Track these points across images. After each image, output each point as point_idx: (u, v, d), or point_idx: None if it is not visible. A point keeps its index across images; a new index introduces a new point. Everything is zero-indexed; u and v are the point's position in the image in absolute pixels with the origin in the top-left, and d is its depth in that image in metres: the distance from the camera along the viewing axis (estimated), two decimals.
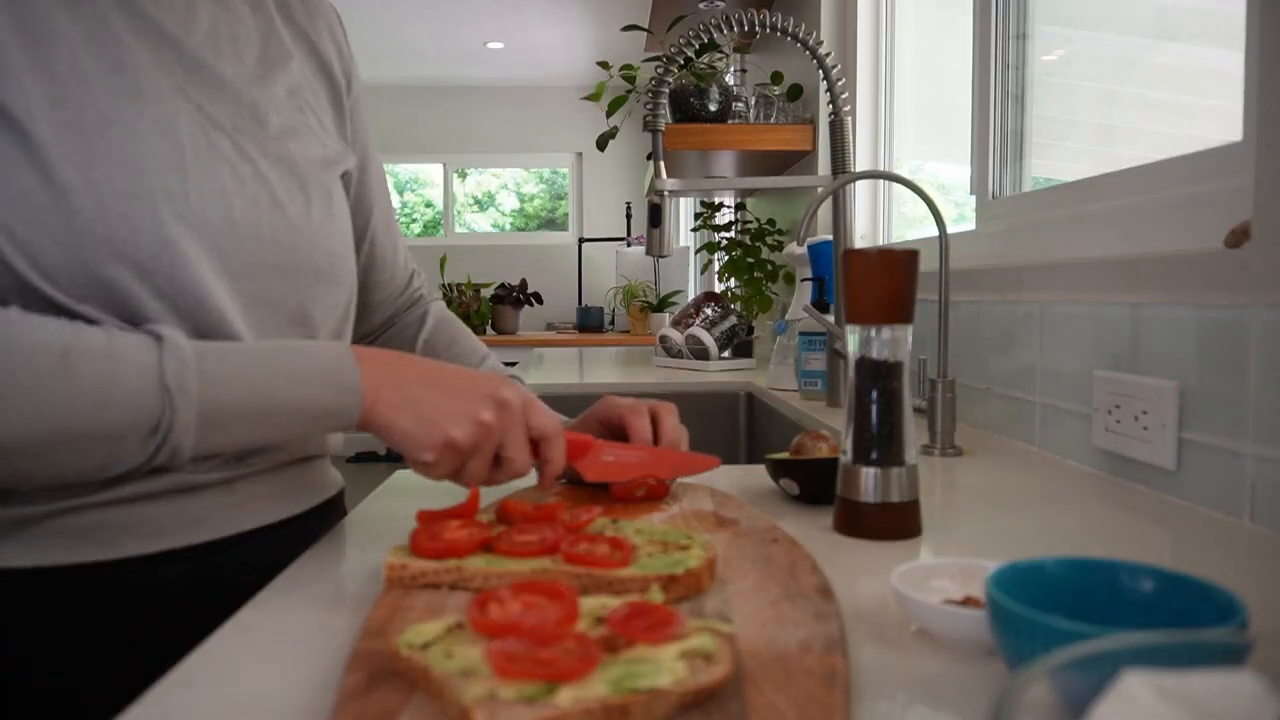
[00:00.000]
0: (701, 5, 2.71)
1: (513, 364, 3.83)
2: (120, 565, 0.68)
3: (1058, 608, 0.46)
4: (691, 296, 4.95)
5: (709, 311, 2.24)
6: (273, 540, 0.77)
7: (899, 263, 0.70)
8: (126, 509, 0.68)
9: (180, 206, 0.66)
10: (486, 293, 5.45)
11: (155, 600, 0.70)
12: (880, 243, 2.08)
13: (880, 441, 0.71)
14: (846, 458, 0.73)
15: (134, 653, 0.68)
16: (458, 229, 6.77)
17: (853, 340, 0.72)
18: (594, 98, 2.38)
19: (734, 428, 1.95)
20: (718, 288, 3.03)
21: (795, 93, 2.37)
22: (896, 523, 0.71)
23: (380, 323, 1.03)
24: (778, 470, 0.85)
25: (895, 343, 0.71)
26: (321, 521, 0.84)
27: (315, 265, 0.76)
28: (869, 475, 0.71)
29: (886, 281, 0.70)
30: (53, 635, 0.67)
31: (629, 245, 5.82)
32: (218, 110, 0.72)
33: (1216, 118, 0.95)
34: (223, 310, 0.68)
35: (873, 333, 0.71)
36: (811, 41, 1.43)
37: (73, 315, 0.62)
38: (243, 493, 0.76)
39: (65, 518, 0.66)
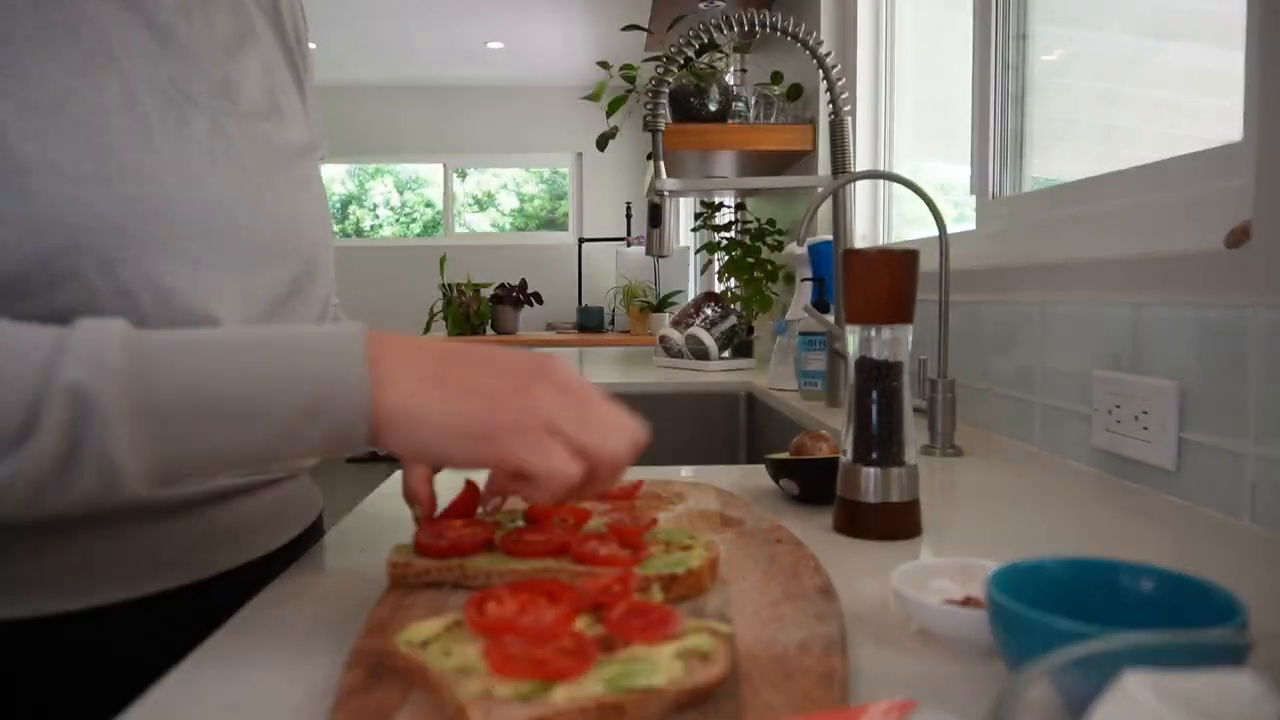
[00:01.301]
0: (701, 5, 2.70)
1: None
2: (100, 612, 0.62)
3: (1058, 608, 0.45)
4: (691, 296, 4.95)
5: (709, 311, 2.24)
6: (255, 577, 0.69)
7: (899, 262, 0.70)
8: (70, 552, 0.61)
9: (151, 190, 0.58)
10: (486, 293, 5.45)
11: (143, 645, 0.63)
12: (880, 243, 2.08)
13: (880, 441, 0.71)
14: (847, 458, 0.72)
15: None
16: (458, 229, 6.77)
17: (853, 340, 0.72)
18: (594, 98, 2.38)
19: (734, 428, 1.95)
20: (718, 288, 3.03)
21: (795, 92, 2.37)
22: (897, 523, 0.71)
23: None
24: (778, 470, 0.85)
25: (895, 343, 0.71)
26: (303, 552, 0.78)
27: (300, 254, 0.69)
28: (869, 475, 0.71)
29: (887, 281, 0.70)
30: (62, 681, 0.61)
31: (629, 245, 5.82)
32: (190, 83, 0.64)
33: (1216, 118, 0.95)
34: (193, 307, 0.60)
35: (873, 333, 0.71)
36: (811, 41, 1.43)
37: None
38: (223, 525, 0.69)
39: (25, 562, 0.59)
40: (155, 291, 0.58)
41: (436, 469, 0.68)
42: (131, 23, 0.61)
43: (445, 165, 6.72)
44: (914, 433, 0.72)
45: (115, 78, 0.59)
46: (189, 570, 0.67)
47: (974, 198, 1.48)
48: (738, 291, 2.53)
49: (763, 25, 1.40)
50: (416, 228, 6.84)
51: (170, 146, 0.60)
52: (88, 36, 0.58)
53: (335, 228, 6.87)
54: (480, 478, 0.64)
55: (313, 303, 0.73)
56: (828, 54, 1.45)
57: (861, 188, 2.08)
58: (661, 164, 1.50)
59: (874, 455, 0.71)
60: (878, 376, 0.71)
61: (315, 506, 0.84)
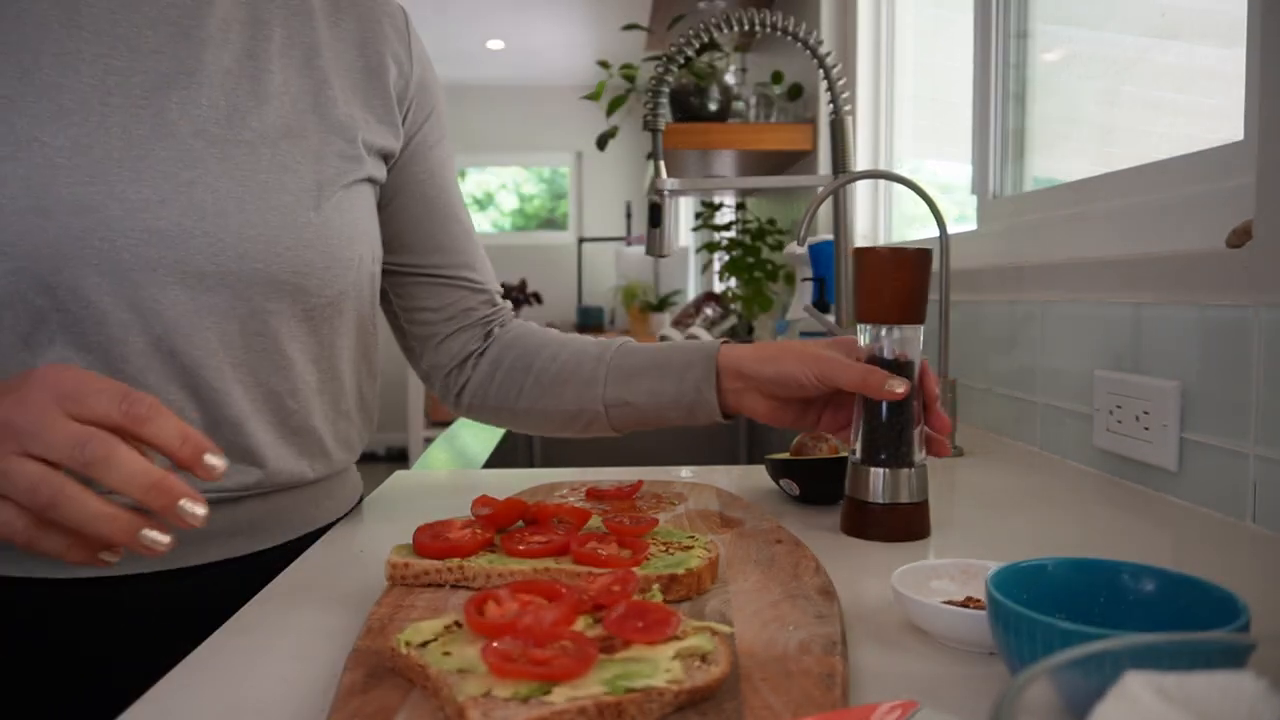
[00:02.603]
0: (701, 4, 2.70)
1: None
2: (64, 585, 0.66)
3: (1058, 608, 0.45)
4: (691, 296, 4.95)
5: (709, 311, 2.24)
6: (248, 568, 0.71)
7: (911, 262, 0.70)
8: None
9: (89, 220, 0.62)
10: None
11: (105, 623, 0.68)
12: (880, 242, 2.08)
13: (889, 442, 0.71)
14: (855, 458, 0.72)
15: (83, 674, 0.67)
16: None
17: (862, 339, 0.72)
18: (594, 97, 2.38)
19: (734, 428, 1.95)
20: (718, 288, 3.03)
21: (795, 92, 2.37)
22: (906, 524, 0.71)
23: (454, 354, 0.94)
24: (778, 470, 0.85)
25: (906, 343, 0.71)
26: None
27: (271, 275, 0.69)
28: (878, 476, 0.71)
29: (899, 282, 0.70)
30: None
31: (629, 245, 5.81)
32: (180, 112, 0.67)
33: (1217, 117, 0.95)
34: (128, 323, 0.64)
35: (884, 332, 0.71)
36: (811, 41, 1.43)
37: None
38: (220, 521, 0.70)
39: None
40: (96, 313, 0.63)
41: None
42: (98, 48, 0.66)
43: None
44: (923, 433, 0.72)
45: (79, 125, 0.63)
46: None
47: (974, 198, 1.48)
48: (738, 291, 2.53)
49: (763, 25, 1.40)
50: None
51: (121, 178, 0.64)
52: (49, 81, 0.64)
53: None
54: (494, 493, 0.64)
55: (292, 319, 0.72)
56: (828, 54, 1.44)
57: (861, 187, 2.08)
58: (661, 163, 1.49)
59: (883, 456, 0.71)
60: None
61: (328, 512, 0.81)
